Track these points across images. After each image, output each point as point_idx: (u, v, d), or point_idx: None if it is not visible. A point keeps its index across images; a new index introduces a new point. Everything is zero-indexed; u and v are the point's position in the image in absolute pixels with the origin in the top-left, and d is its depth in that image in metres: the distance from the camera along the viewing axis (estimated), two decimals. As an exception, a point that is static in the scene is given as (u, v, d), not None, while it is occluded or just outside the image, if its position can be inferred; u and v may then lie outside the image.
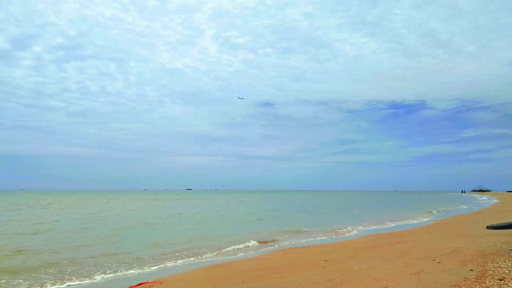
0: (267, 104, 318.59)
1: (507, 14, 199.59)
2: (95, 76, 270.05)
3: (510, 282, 5.48)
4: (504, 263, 6.86)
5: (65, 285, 7.80)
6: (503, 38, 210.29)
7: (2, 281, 7.98)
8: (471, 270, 6.58)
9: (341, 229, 17.50)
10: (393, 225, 19.40)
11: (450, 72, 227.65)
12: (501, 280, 5.65)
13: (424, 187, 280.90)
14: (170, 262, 10.03)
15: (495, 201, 51.98)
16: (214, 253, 11.32)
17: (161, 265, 9.67)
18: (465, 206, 38.15)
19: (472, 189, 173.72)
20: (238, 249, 12.06)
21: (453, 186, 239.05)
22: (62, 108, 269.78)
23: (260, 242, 13.30)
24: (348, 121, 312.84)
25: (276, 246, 12.82)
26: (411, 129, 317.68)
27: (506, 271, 6.18)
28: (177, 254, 11.22)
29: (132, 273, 8.78)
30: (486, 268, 6.64)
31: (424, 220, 22.32)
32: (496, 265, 6.77)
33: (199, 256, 10.88)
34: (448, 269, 6.84)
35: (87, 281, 8.11)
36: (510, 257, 7.39)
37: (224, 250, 11.79)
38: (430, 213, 28.21)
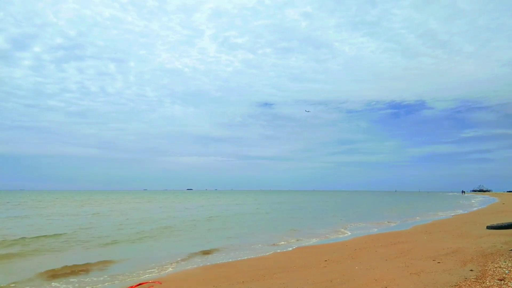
0: (266, 104, 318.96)
1: (506, 14, 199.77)
2: (94, 76, 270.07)
3: (510, 282, 5.48)
4: (504, 263, 6.86)
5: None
6: (502, 38, 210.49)
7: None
8: (471, 270, 6.58)
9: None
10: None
11: (450, 72, 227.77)
12: (501, 280, 5.65)
13: (424, 187, 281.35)
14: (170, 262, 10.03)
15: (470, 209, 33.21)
16: (216, 253, 11.33)
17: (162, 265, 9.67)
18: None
19: (472, 189, 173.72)
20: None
21: (453, 186, 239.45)
22: (62, 108, 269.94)
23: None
24: (348, 121, 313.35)
25: (276, 246, 12.82)
26: (411, 129, 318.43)
27: (506, 271, 6.18)
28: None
29: (131, 273, 8.77)
30: (486, 268, 6.64)
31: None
32: (496, 265, 6.76)
33: (199, 256, 10.88)
34: (448, 269, 6.84)
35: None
36: (510, 257, 7.39)
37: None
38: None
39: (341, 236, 15.29)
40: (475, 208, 33.72)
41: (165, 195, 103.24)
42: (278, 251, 11.54)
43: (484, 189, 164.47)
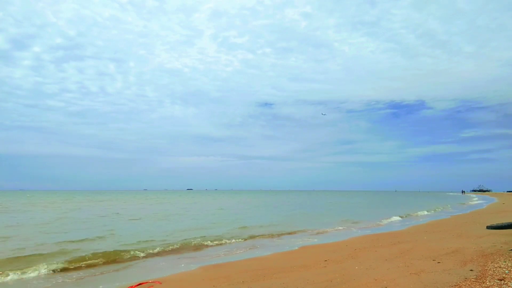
0: (266, 104, 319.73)
1: (505, 14, 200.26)
2: (94, 76, 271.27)
3: (510, 282, 5.48)
4: (504, 263, 6.86)
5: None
6: (502, 38, 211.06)
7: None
8: (471, 270, 6.59)
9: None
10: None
11: (449, 72, 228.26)
12: (501, 280, 5.65)
13: (424, 187, 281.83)
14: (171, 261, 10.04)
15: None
16: (215, 253, 11.34)
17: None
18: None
19: (472, 189, 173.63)
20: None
21: (453, 186, 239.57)
22: (62, 108, 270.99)
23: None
24: (348, 121, 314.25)
25: (277, 246, 12.81)
26: (411, 129, 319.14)
27: (506, 271, 6.18)
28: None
29: (131, 272, 8.78)
30: (486, 268, 6.64)
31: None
32: (496, 265, 6.77)
33: (199, 256, 10.89)
34: (448, 269, 6.84)
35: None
36: (510, 257, 7.39)
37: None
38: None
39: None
40: (475, 208, 33.73)
41: (172, 195, 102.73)
42: (279, 251, 11.54)
43: (484, 189, 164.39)
